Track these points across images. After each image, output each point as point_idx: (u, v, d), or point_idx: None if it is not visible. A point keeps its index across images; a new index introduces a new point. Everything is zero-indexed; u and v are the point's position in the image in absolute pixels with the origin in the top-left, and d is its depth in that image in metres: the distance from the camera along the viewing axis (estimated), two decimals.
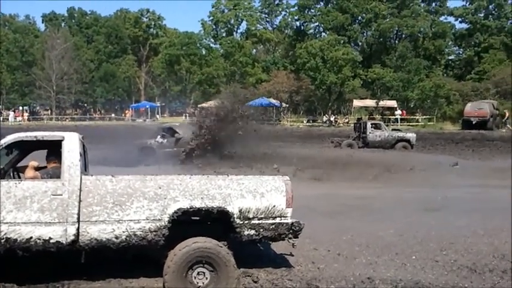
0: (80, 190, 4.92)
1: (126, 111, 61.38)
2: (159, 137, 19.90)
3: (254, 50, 68.35)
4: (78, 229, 4.87)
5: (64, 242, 4.84)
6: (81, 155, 5.19)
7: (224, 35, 68.71)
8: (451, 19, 64.51)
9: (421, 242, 7.12)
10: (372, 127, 24.99)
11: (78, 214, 4.88)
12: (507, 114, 40.85)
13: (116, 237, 4.91)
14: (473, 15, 61.98)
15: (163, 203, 4.99)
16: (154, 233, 4.94)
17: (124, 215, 4.93)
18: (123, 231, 4.91)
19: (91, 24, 70.27)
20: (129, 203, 4.95)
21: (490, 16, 62.21)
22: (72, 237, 4.85)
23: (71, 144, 5.14)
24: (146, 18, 73.09)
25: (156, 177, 5.14)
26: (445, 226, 8.14)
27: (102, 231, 4.89)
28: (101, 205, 4.92)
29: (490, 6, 62.12)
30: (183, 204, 5.01)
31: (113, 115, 61.71)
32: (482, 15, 62.41)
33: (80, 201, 4.89)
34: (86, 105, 67.43)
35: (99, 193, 4.93)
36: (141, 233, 4.94)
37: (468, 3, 62.61)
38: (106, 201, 4.92)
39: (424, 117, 46.31)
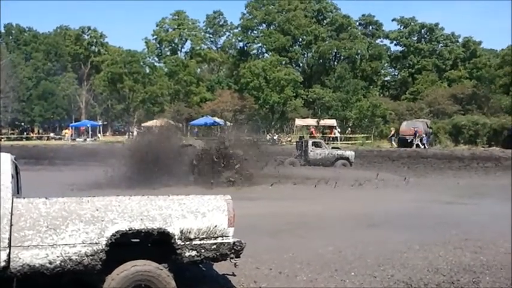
0: (12, 214, 4.69)
1: (66, 131, 59.28)
2: None
3: (198, 69, 68.36)
4: (9, 255, 4.62)
5: None
6: (13, 177, 4.96)
7: (168, 53, 68.35)
8: (386, 42, 67.64)
9: (359, 258, 7.30)
10: (312, 145, 25.54)
11: (10, 239, 4.64)
12: (392, 131, 43.66)
13: (50, 263, 4.70)
14: (407, 38, 65.18)
15: (101, 225, 4.82)
16: (91, 257, 4.76)
17: (58, 239, 4.73)
18: (58, 256, 4.71)
19: (29, 41, 67.83)
20: (64, 226, 4.75)
21: (423, 39, 65.67)
22: (3, 264, 4.60)
23: (3, 165, 4.91)
24: (88, 35, 71.46)
25: (93, 198, 4.97)
26: (383, 242, 8.39)
27: (35, 257, 4.66)
28: (33, 229, 4.69)
29: (423, 30, 65.65)
30: (121, 227, 4.87)
31: (51, 134, 59.39)
32: (415, 38, 65.73)
33: (11, 225, 4.66)
34: (23, 124, 64.56)
35: (32, 216, 4.71)
36: (76, 257, 4.74)
37: (402, 27, 65.83)
38: (39, 225, 4.71)
39: (362, 135, 47.78)
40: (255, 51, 65.82)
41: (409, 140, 38.70)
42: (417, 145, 37.98)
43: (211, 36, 71.68)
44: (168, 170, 16.99)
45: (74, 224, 4.78)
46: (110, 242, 4.83)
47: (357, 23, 66.36)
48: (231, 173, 17.04)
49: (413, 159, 29.69)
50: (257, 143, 20.08)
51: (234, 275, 6.28)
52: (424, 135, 38.73)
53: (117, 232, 4.85)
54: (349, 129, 51.48)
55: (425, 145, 38.03)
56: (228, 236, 5.27)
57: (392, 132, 44.44)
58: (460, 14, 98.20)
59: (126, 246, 5.05)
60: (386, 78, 70.26)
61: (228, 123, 52.85)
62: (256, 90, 55.65)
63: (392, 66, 69.54)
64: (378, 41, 67.01)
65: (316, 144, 26.15)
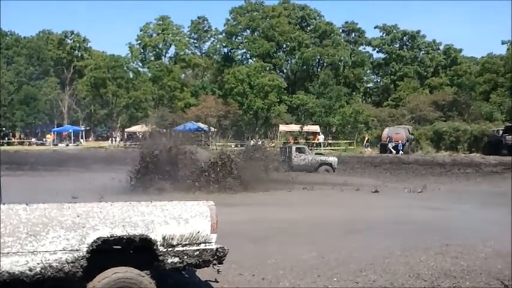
0: None
1: (48, 136, 58.58)
2: None
3: (183, 75, 68.23)
4: None
5: None
6: None
7: (152, 58, 68.11)
8: (369, 49, 68.51)
9: (342, 264, 7.33)
10: (296, 151, 25.65)
11: None
12: (367, 137, 44.41)
13: (30, 270, 4.63)
14: (389, 45, 66.02)
15: (82, 232, 4.77)
16: (71, 264, 4.70)
17: (39, 246, 4.67)
18: (38, 263, 4.65)
19: (11, 45, 67.00)
20: (45, 232, 4.69)
21: (405, 47, 66.60)
22: None
23: None
24: (70, 40, 70.83)
25: (75, 205, 4.93)
26: (365, 247, 8.45)
27: (14, 264, 4.59)
28: (13, 236, 4.63)
29: (404, 38, 66.55)
30: (103, 233, 4.82)
31: (33, 140, 58.68)
32: (397, 46, 66.63)
33: None
34: (4, 129, 63.59)
35: (12, 223, 4.64)
36: (57, 264, 4.68)
37: (384, 34, 66.65)
38: (19, 232, 4.64)
39: (345, 141, 48.12)
40: (239, 57, 66.02)
41: (399, 148, 39.16)
42: (390, 151, 38.51)
43: (195, 41, 71.76)
44: (170, 176, 17.06)
45: (54, 230, 4.72)
46: (91, 248, 4.78)
47: (340, 30, 67.08)
48: (231, 179, 17.26)
49: (395, 165, 29.99)
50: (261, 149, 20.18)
51: (216, 281, 6.26)
52: (400, 142, 39.21)
53: (98, 239, 4.81)
54: (329, 135, 51.77)
55: (400, 151, 38.46)
56: (210, 242, 5.25)
57: (366, 139, 45.05)
58: (441, 22, 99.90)
59: (107, 252, 5.01)
60: (368, 85, 71.06)
61: (212, 129, 52.93)
62: (240, 95, 55.79)
63: (374, 73, 70.36)
64: (361, 48, 67.83)
65: (300, 150, 26.26)
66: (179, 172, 17.30)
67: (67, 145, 52.86)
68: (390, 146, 39.54)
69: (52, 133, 58.67)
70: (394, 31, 65.95)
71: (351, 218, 11.82)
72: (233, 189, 16.86)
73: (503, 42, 64.18)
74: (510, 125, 41.05)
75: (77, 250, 4.74)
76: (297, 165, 24.96)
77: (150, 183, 16.44)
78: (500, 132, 38.58)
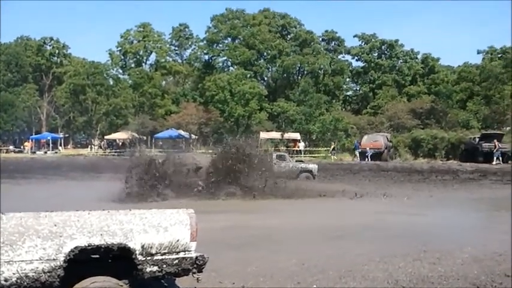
0: None
1: (26, 143, 57.60)
2: None
3: (163, 82, 67.90)
4: None
5: None
6: None
7: (133, 65, 67.67)
8: (348, 57, 69.05)
9: (321, 271, 7.36)
10: (277, 158, 25.69)
11: None
12: (332, 146, 45.33)
13: (6, 280, 4.56)
14: (368, 54, 66.78)
15: (59, 241, 4.71)
16: (48, 273, 4.64)
17: (15, 256, 4.59)
18: (14, 273, 4.57)
19: None
20: (21, 242, 4.62)
21: (383, 56, 67.41)
22: None
23: None
24: (50, 46, 69.95)
25: (52, 213, 4.86)
26: (345, 254, 8.51)
27: None
28: None
29: (383, 47, 67.41)
30: (80, 242, 4.77)
31: (11, 147, 57.61)
32: (376, 54, 67.40)
33: None
34: None
35: None
36: (33, 274, 4.62)
37: (363, 43, 67.44)
38: None
39: (325, 148, 48.48)
40: (220, 65, 66.08)
41: (367, 154, 39.70)
42: (368, 158, 39.28)
43: (176, 48, 71.56)
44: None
45: (31, 239, 4.66)
46: (68, 258, 4.72)
47: (320, 39, 67.63)
48: (233, 186, 17.41)
49: (374, 172, 30.25)
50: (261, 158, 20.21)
51: None
52: (367, 148, 40.08)
53: (75, 248, 4.75)
54: (306, 142, 52.05)
55: (368, 158, 39.15)
56: (190, 251, 5.23)
57: (332, 147, 45.81)
58: (419, 31, 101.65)
59: (85, 262, 4.96)
60: (348, 93, 71.72)
61: (193, 136, 52.75)
62: (221, 103, 55.80)
63: (353, 81, 71.04)
64: (340, 56, 68.44)
65: (281, 157, 26.32)
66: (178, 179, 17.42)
67: (45, 152, 52.06)
68: (357, 152, 41.98)
69: (30, 140, 57.71)
70: (373, 40, 66.76)
71: (330, 225, 11.89)
72: (215, 196, 16.92)
73: (478, 52, 65.69)
74: (486, 132, 41.91)
75: (53, 259, 4.68)
76: (277, 172, 24.97)
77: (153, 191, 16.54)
78: (477, 139, 39.29)
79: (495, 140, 36.76)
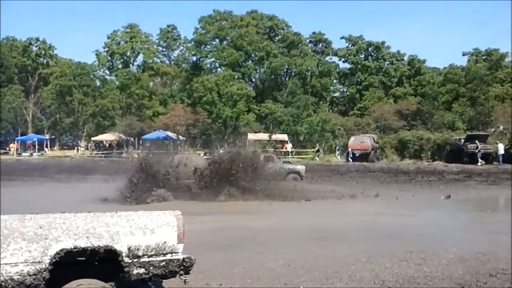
0: None
1: (12, 145, 56.96)
2: None
3: (151, 83, 67.60)
4: None
5: None
6: None
7: (120, 66, 67.28)
8: (335, 59, 69.39)
9: (308, 272, 7.38)
10: (264, 160, 25.69)
11: None
12: (317, 147, 45.83)
13: None
14: (355, 56, 67.17)
15: (44, 243, 4.67)
16: (33, 276, 4.59)
17: None
18: None
19: None
20: (6, 244, 4.57)
21: (370, 57, 67.82)
22: None
23: None
24: (36, 46, 69.24)
25: (37, 216, 4.81)
26: (331, 255, 8.55)
27: None
28: None
29: (370, 49, 67.85)
30: (66, 245, 4.73)
31: None
32: (362, 56, 67.81)
33: None
34: None
35: None
36: (18, 277, 4.57)
37: (350, 45, 67.81)
38: None
39: (313, 150, 48.63)
40: (208, 66, 66.03)
41: (357, 154, 39.93)
42: (352, 159, 39.72)
43: (164, 49, 71.34)
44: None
45: (16, 242, 4.61)
46: (54, 260, 4.68)
47: (307, 41, 67.92)
48: (231, 188, 17.48)
49: (361, 173, 30.41)
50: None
51: None
52: (350, 150, 40.74)
53: (61, 250, 4.71)
54: (294, 143, 52.21)
55: (350, 159, 39.75)
56: (177, 253, 5.21)
57: (317, 148, 46.34)
58: (405, 33, 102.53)
59: (71, 264, 4.92)
60: (335, 95, 72.05)
61: (181, 138, 52.58)
62: (209, 104, 55.74)
63: (340, 83, 71.38)
64: (327, 58, 68.78)
65: (268, 159, 26.33)
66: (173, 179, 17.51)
67: (31, 154, 51.53)
68: (337, 153, 43.13)
69: (16, 142, 57.10)
70: (360, 42, 67.16)
71: (316, 226, 11.94)
72: (203, 197, 16.93)
73: (464, 54, 66.39)
74: (471, 133, 42.28)
75: (39, 262, 4.64)
76: (265, 173, 24.98)
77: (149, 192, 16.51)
78: (462, 140, 39.60)
79: (477, 141, 37.13)
